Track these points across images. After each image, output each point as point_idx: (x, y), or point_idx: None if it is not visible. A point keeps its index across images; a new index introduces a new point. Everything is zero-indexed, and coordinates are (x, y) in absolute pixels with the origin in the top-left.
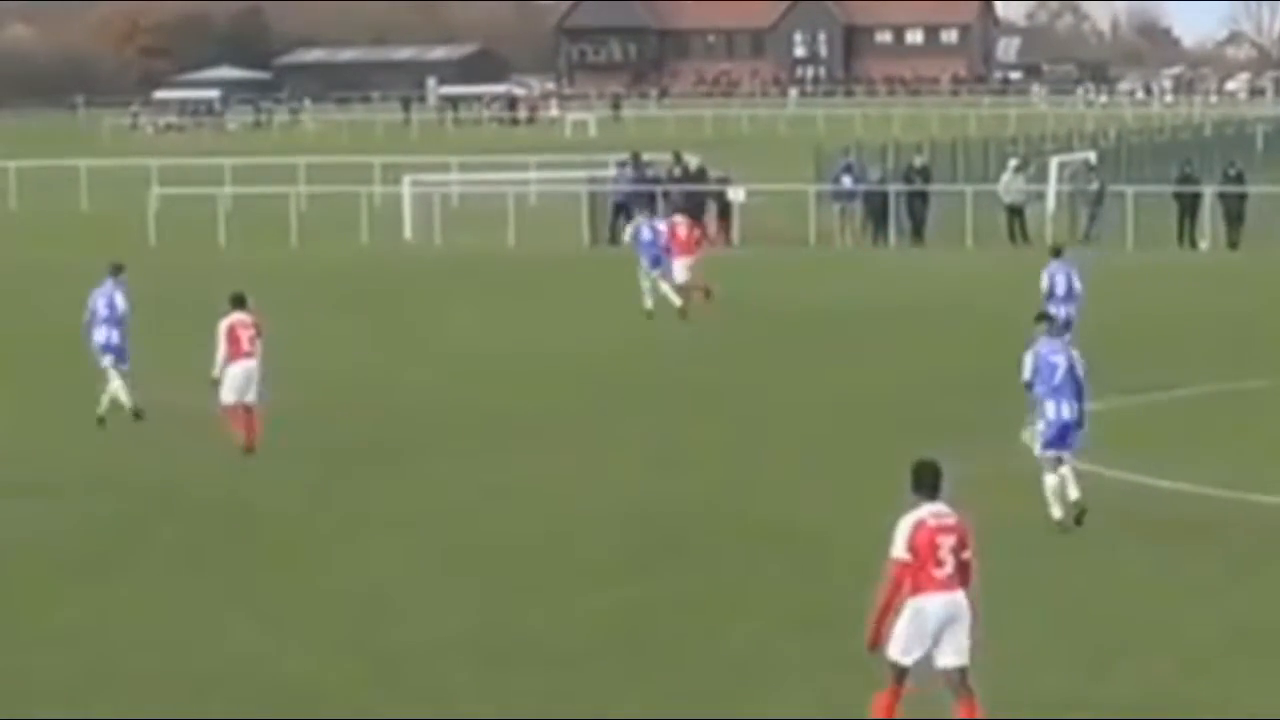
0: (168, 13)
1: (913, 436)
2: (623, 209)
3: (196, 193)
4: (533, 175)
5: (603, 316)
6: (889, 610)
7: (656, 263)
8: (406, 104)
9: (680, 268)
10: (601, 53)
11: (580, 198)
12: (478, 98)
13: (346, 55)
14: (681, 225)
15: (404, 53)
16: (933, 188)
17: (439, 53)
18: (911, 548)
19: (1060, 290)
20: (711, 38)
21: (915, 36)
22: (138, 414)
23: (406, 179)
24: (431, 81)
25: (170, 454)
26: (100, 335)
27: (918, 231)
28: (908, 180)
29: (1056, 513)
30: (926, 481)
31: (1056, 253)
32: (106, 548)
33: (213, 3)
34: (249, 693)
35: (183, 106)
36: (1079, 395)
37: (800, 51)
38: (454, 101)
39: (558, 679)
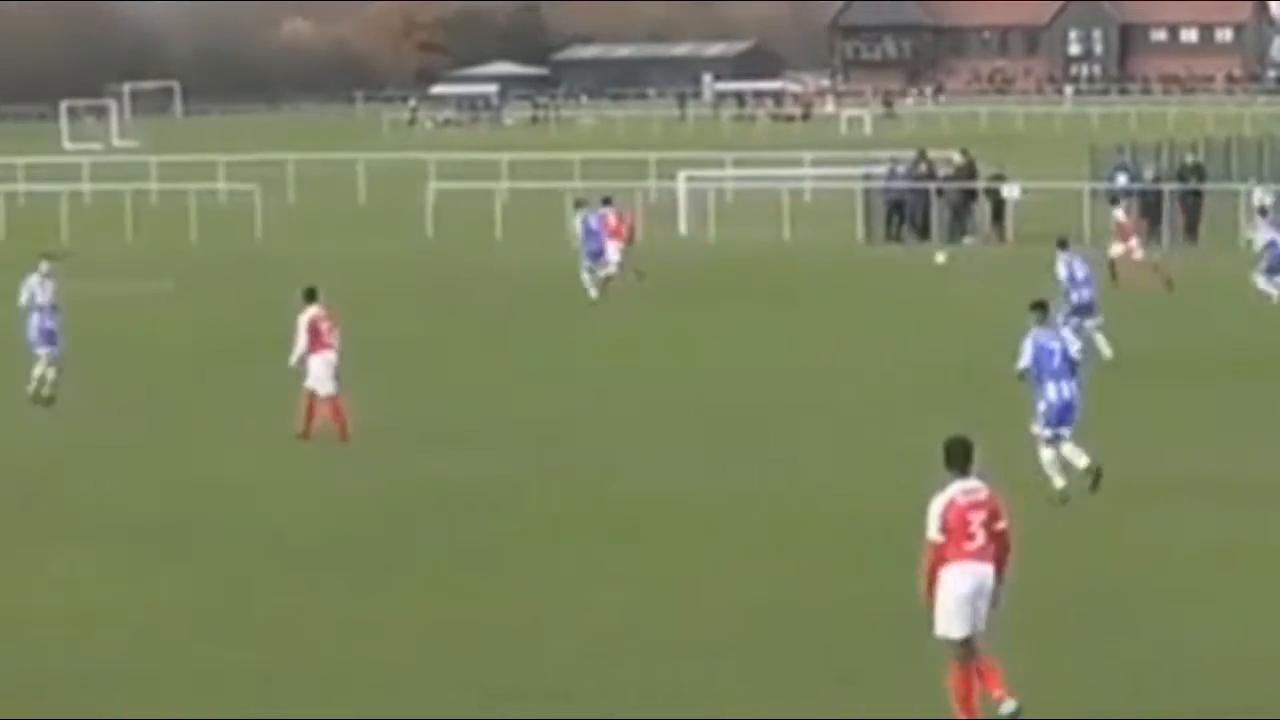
0: (445, 9)
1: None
2: (898, 206)
3: (474, 187)
4: (807, 171)
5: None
6: (932, 591)
7: (598, 255)
8: (682, 100)
9: (613, 250)
10: (876, 49)
11: (855, 194)
12: (753, 94)
13: (623, 51)
14: (611, 215)
15: (680, 49)
16: (1207, 186)
17: (715, 49)
18: (944, 527)
19: (1080, 275)
20: (986, 35)
21: (1190, 35)
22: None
23: (681, 174)
24: (707, 78)
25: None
26: None
27: (1191, 230)
28: (1181, 179)
29: (1059, 482)
30: (957, 458)
31: (1063, 244)
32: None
33: (490, 2)
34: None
35: (460, 102)
36: (1074, 375)
37: (1075, 49)
38: (740, 97)
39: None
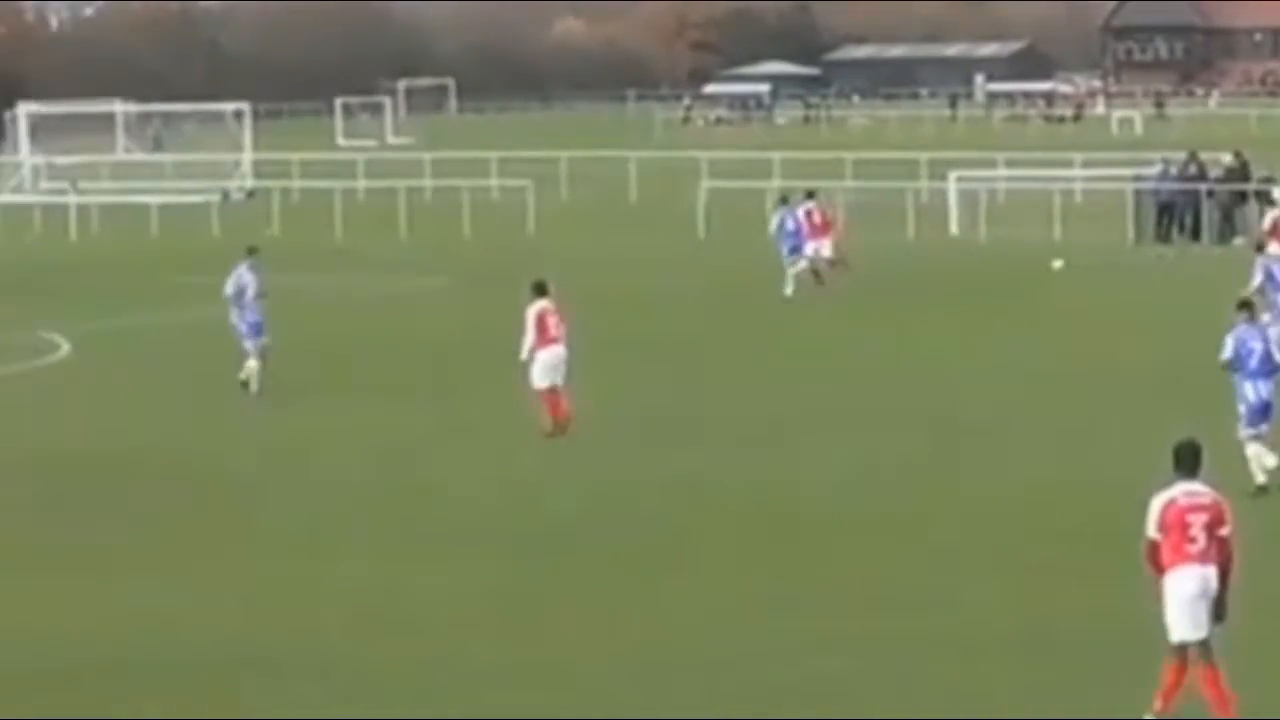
0: (718, 8)
1: None
2: (1168, 207)
3: (745, 186)
4: (1078, 172)
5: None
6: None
7: (795, 251)
8: (954, 100)
9: (811, 248)
10: (1148, 51)
11: (1125, 195)
12: (1024, 94)
13: (895, 51)
14: (816, 212)
15: (953, 49)
16: None
17: (987, 49)
18: (1161, 525)
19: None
20: (1258, 37)
21: None
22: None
23: (952, 175)
24: (979, 78)
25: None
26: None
27: None
28: None
29: (1260, 478)
30: (1185, 461)
31: (1260, 248)
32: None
33: (763, 1)
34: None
35: (732, 101)
36: (1272, 376)
37: None
38: (1011, 98)
39: None
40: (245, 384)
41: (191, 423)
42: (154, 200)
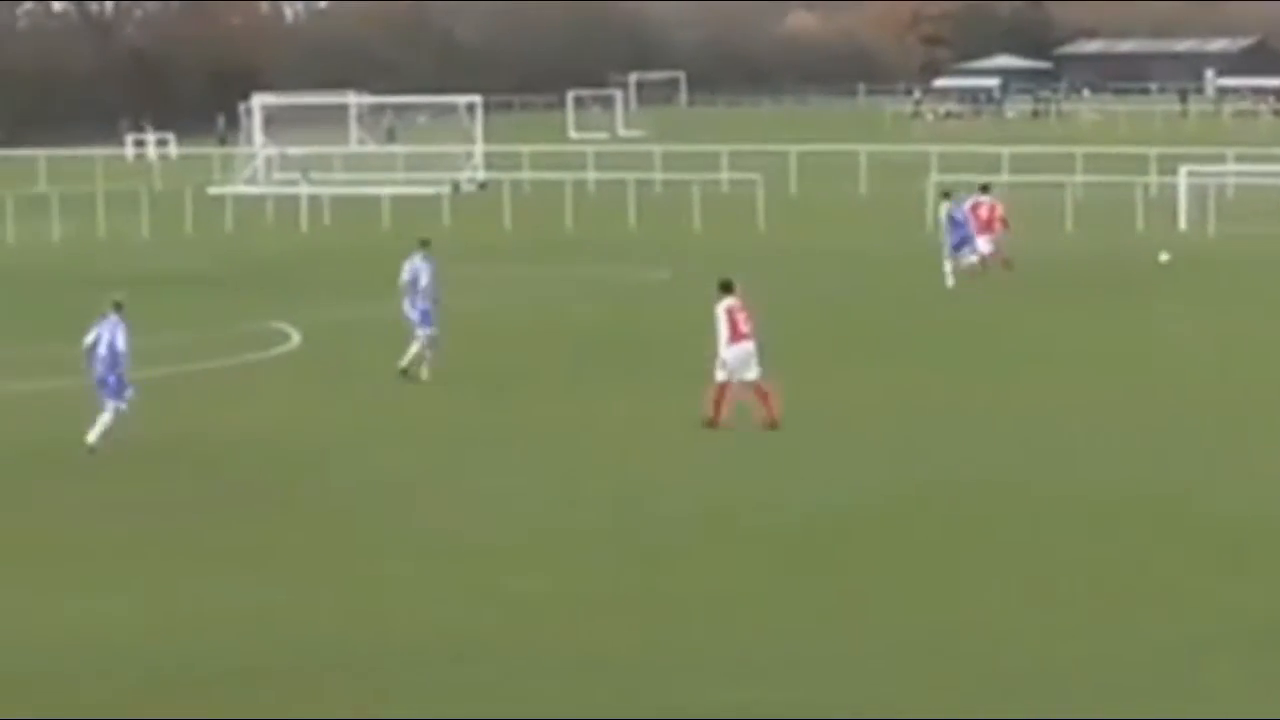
0: (951, 3)
1: None
2: None
3: (974, 180)
4: None
5: None
6: None
7: (962, 244)
8: (1184, 95)
9: (984, 243)
10: None
11: None
12: (1253, 90)
13: (1126, 46)
14: (984, 206)
15: (1183, 44)
16: None
17: (1218, 45)
18: None
19: None
20: None
21: None
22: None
23: (1182, 170)
24: (1209, 73)
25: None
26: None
27: None
28: None
29: None
30: None
31: None
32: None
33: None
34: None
35: (962, 95)
36: None
37: None
38: (1242, 93)
39: None
40: (405, 371)
41: (403, 416)
42: (385, 192)
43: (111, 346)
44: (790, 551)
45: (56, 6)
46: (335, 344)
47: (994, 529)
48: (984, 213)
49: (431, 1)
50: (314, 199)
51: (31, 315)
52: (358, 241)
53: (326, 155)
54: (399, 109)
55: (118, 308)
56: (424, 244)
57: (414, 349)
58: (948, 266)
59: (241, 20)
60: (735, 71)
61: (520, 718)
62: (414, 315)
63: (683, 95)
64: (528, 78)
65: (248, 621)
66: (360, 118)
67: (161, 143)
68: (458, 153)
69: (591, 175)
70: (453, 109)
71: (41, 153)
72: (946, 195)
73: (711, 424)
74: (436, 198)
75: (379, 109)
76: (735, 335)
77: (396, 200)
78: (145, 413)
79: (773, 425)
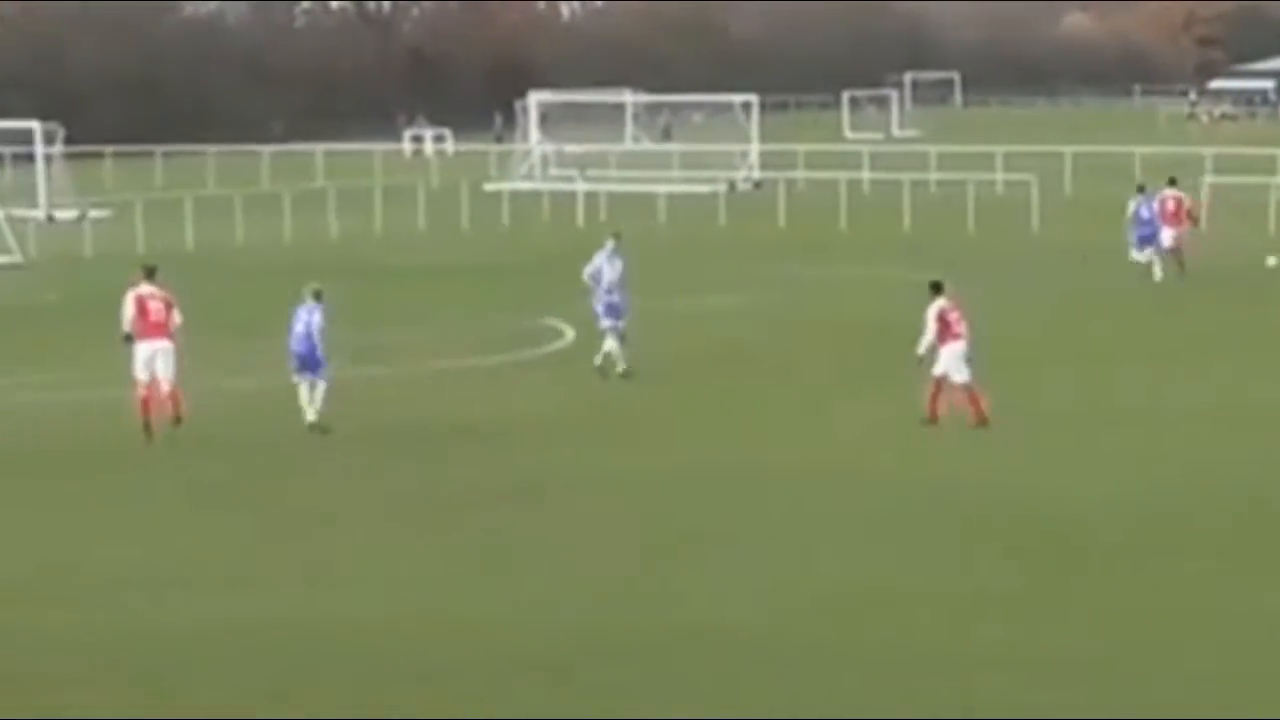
0: (1226, 5)
1: None
2: None
3: (1249, 182)
4: None
5: None
6: None
7: (1147, 240)
8: None
9: (1167, 237)
10: None
11: None
12: None
13: None
14: (1170, 200)
15: None
16: None
17: None
18: None
19: None
20: None
21: None
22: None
23: None
24: None
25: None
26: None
27: None
28: None
29: None
30: None
31: None
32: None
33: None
34: None
35: (1237, 97)
36: None
37: None
38: None
39: None
40: (601, 369)
41: (675, 412)
42: (661, 190)
43: (309, 327)
44: (1063, 550)
45: (334, 5)
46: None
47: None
48: (1170, 205)
49: (709, 1)
50: (590, 196)
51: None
52: (633, 239)
53: (603, 153)
54: (675, 107)
55: (317, 296)
56: (615, 237)
57: (606, 345)
58: (1141, 257)
59: (519, 18)
60: (1010, 72)
61: (813, 716)
62: (599, 308)
63: (957, 96)
64: (804, 77)
65: (533, 611)
66: (636, 115)
67: (439, 139)
68: (733, 151)
69: (866, 175)
70: (728, 108)
71: (319, 148)
72: (1141, 189)
73: (930, 421)
74: (712, 196)
75: (655, 107)
76: (948, 335)
77: (672, 198)
78: (419, 405)
79: (983, 423)
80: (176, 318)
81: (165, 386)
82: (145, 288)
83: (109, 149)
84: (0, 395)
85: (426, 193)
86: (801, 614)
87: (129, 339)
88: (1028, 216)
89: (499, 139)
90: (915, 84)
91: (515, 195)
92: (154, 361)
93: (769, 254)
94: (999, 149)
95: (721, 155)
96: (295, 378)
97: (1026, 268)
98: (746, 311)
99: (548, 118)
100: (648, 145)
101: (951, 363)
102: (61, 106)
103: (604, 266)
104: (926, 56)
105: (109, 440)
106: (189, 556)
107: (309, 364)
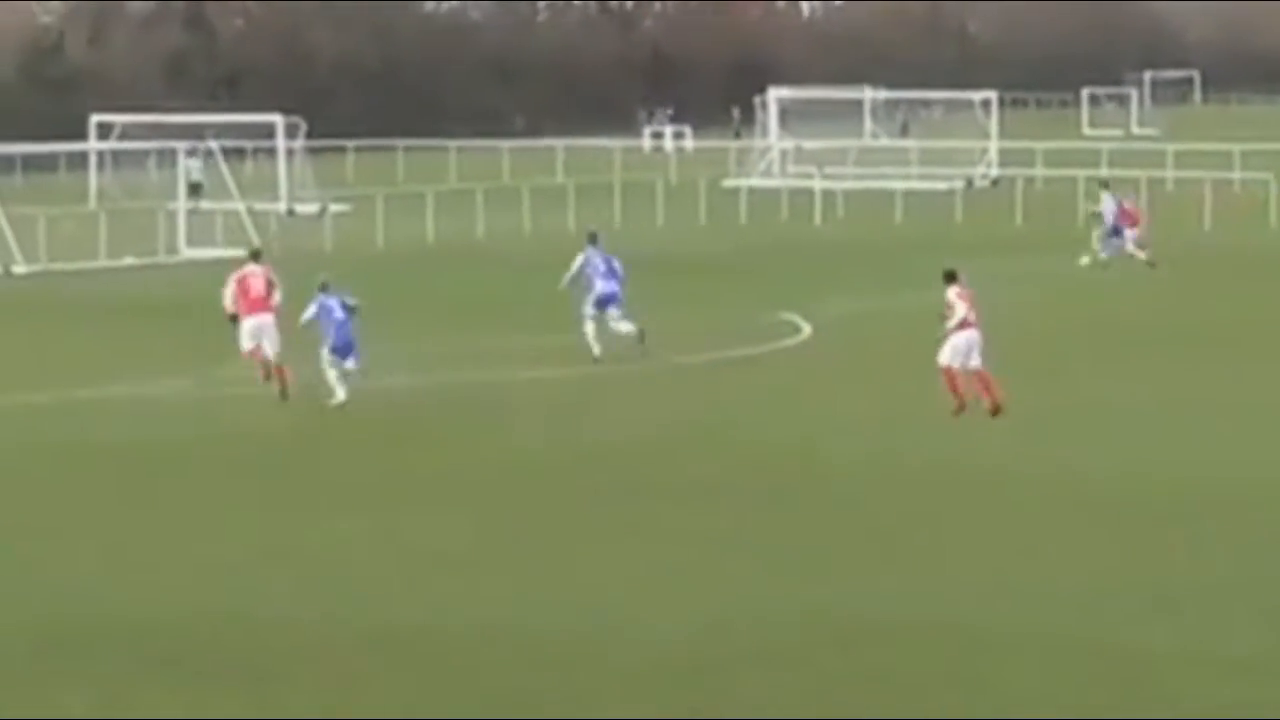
0: None
1: None
2: None
3: None
4: None
5: None
6: None
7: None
8: None
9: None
10: None
11: None
12: None
13: None
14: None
15: None
16: None
17: None
18: None
19: None
20: None
21: None
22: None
23: None
24: None
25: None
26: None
27: None
28: None
29: None
30: None
31: None
32: None
33: None
34: None
35: None
36: None
37: None
38: None
39: None
40: (638, 346)
41: (916, 406)
42: (898, 186)
43: (345, 309)
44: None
45: (577, 2)
46: (845, 337)
47: None
48: (1129, 205)
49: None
50: (827, 192)
51: (551, 303)
52: (870, 235)
53: (841, 149)
54: (912, 104)
55: (324, 288)
56: (592, 238)
57: (623, 328)
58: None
59: (759, 15)
60: (1251, 70)
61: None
62: (590, 310)
63: (1197, 94)
64: (1043, 74)
65: (770, 602)
66: (874, 112)
67: (678, 135)
68: (971, 148)
69: (1104, 173)
70: (967, 104)
71: (559, 143)
72: (1104, 185)
73: (961, 409)
74: (949, 192)
75: (893, 104)
76: (959, 324)
77: (909, 195)
78: (659, 399)
79: (997, 410)
80: (277, 295)
81: (272, 358)
82: (249, 267)
83: (350, 143)
84: (241, 385)
85: (665, 189)
86: (1042, 611)
87: (234, 319)
88: (1265, 214)
89: (738, 135)
90: (1154, 82)
91: (753, 192)
92: (259, 335)
93: (1006, 250)
94: (1236, 147)
95: (959, 152)
96: (330, 360)
97: (1262, 264)
98: (992, 305)
99: (787, 114)
100: (886, 142)
101: (963, 350)
102: (304, 101)
103: (595, 263)
104: (1165, 54)
105: (350, 428)
106: (410, 547)
107: (348, 350)
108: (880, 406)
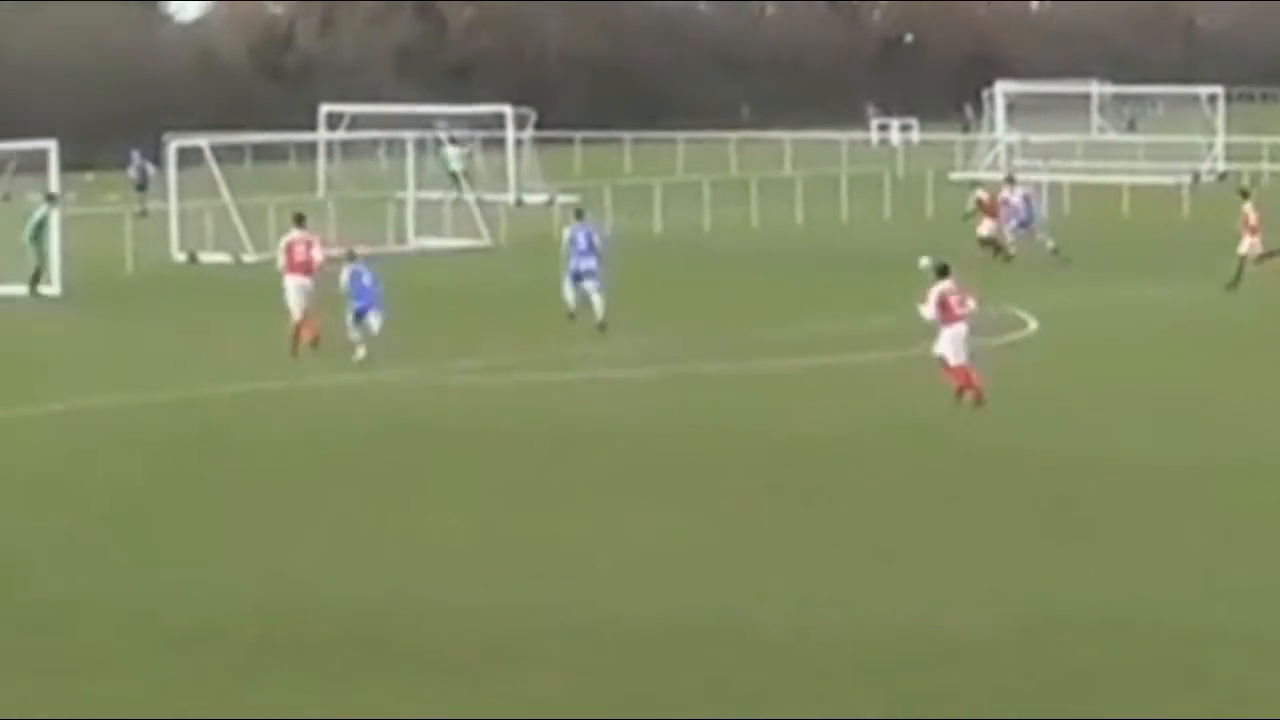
0: None
1: None
2: None
3: None
4: None
5: None
6: None
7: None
8: None
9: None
10: None
11: None
12: None
13: None
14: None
15: None
16: None
17: None
18: None
19: None
20: None
21: None
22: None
23: None
24: None
25: None
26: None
27: None
28: None
29: None
30: None
31: None
32: None
33: None
34: None
35: None
36: None
37: None
38: None
39: None
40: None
41: (1148, 398)
42: (1125, 180)
43: (372, 278)
44: None
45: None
46: (1072, 328)
47: None
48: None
49: None
50: (1053, 186)
51: (790, 294)
52: (1096, 228)
53: (1067, 143)
54: (1139, 98)
55: (351, 258)
56: (578, 214)
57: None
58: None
59: (987, 9)
60: None
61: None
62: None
63: None
64: (1270, 69)
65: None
66: (1102, 107)
67: (905, 128)
68: (1199, 143)
69: None
70: (1194, 99)
71: (787, 135)
72: (1010, 180)
73: (961, 393)
74: (1176, 187)
75: (1120, 98)
76: (950, 317)
77: (1135, 189)
78: (889, 391)
79: (980, 401)
80: (318, 255)
81: (299, 316)
82: (295, 233)
83: (578, 135)
84: (465, 376)
85: (892, 181)
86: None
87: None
88: None
89: (966, 129)
90: None
91: (980, 185)
92: (300, 294)
93: (1235, 244)
94: None
95: (1186, 147)
96: (356, 323)
97: None
98: (1210, 302)
99: (1014, 108)
100: (1113, 136)
101: (949, 344)
102: (532, 92)
103: (578, 239)
104: None
105: (565, 422)
106: (636, 546)
107: (373, 307)
108: (1105, 398)
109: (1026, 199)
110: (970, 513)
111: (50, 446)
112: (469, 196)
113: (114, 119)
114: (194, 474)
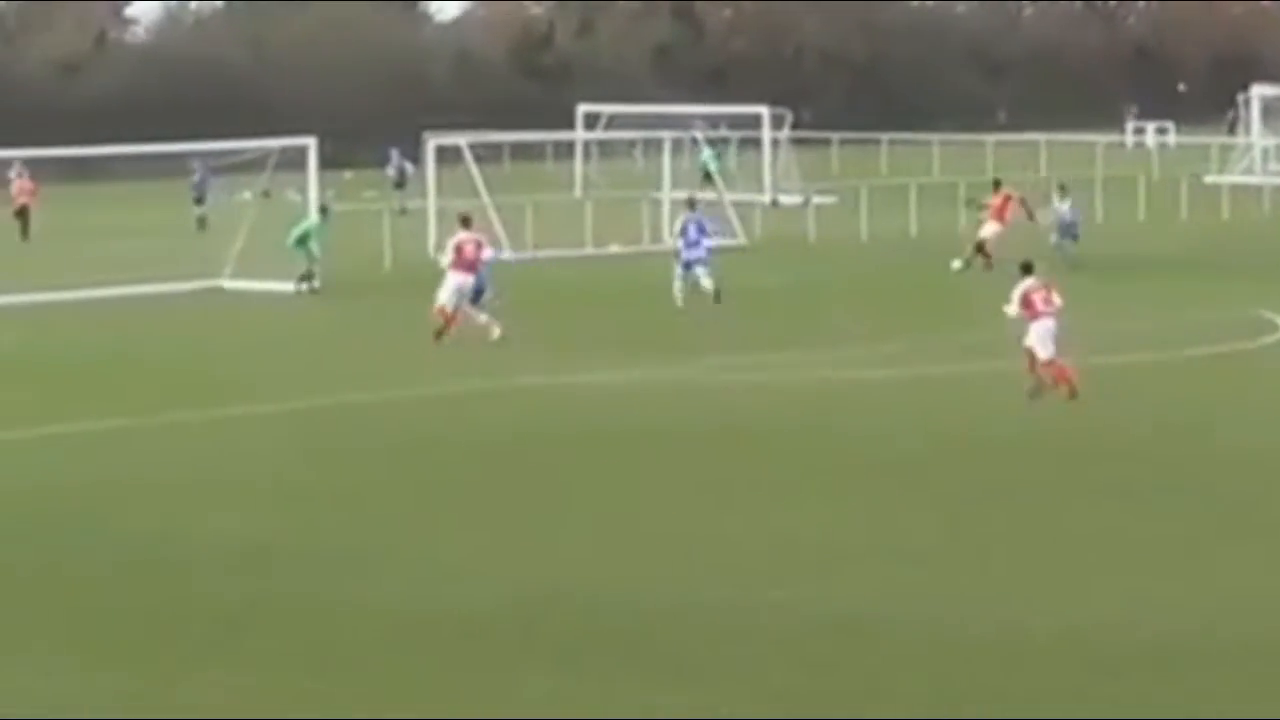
0: None
1: None
2: None
3: None
4: None
5: None
6: None
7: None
8: None
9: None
10: None
11: None
12: None
13: None
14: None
15: None
16: None
17: None
18: None
19: None
20: None
21: None
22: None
23: None
24: None
25: None
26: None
27: None
28: None
29: None
30: None
31: None
32: None
33: None
34: None
35: None
36: None
37: None
38: None
39: None
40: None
41: None
42: None
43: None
44: None
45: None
46: None
47: None
48: (998, 202)
49: None
50: None
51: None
52: None
53: None
54: None
55: (691, 205)
56: (690, 204)
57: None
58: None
59: (1244, 10)
60: None
61: None
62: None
63: None
64: None
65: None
66: None
67: (1161, 131)
68: None
69: None
70: None
71: (1041, 137)
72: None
73: (1038, 390)
74: None
75: None
76: (1033, 313)
77: None
78: (1133, 394)
79: (1073, 395)
80: (486, 253)
81: (451, 309)
82: (463, 234)
83: (835, 136)
84: (711, 374)
85: (1147, 184)
86: None
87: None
88: None
89: (1232, 131)
90: None
91: (1235, 188)
92: (459, 291)
93: None
94: None
95: None
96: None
97: None
98: None
99: (1269, 112)
100: None
101: (1037, 339)
102: (789, 93)
103: (690, 230)
104: None
105: (818, 420)
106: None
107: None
108: None
109: (1075, 211)
110: (1234, 513)
111: (283, 445)
112: (724, 197)
113: (373, 117)
114: (436, 473)
